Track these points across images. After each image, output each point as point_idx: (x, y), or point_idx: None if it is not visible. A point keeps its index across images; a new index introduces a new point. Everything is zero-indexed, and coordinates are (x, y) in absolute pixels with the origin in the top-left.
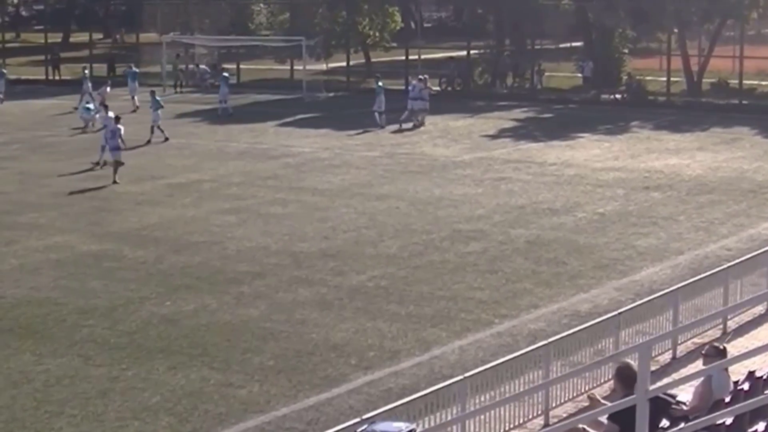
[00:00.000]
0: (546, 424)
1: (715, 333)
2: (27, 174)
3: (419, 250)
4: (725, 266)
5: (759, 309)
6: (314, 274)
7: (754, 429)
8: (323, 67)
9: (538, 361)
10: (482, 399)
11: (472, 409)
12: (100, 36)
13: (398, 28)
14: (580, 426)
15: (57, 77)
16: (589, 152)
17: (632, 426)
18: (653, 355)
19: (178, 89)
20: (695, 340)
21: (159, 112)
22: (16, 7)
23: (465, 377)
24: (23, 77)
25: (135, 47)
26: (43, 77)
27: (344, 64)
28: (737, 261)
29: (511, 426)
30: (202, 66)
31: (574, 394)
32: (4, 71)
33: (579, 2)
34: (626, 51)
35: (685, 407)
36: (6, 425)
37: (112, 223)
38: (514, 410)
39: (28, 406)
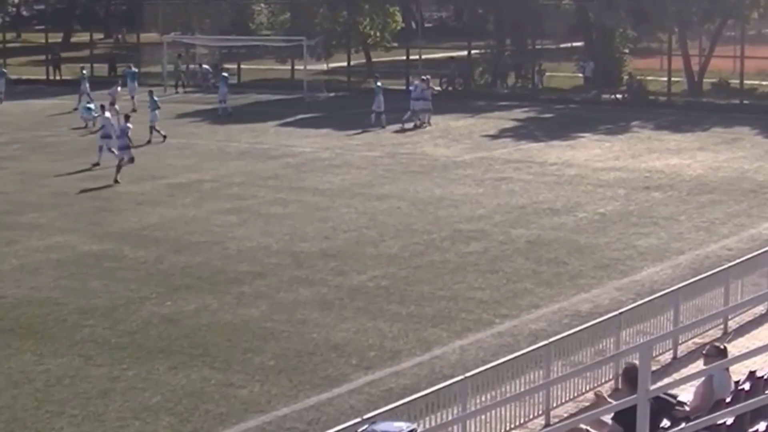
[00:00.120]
0: (547, 424)
1: (716, 333)
2: (27, 174)
3: (420, 250)
4: (726, 266)
5: (760, 309)
6: (315, 274)
7: (755, 429)
8: (324, 67)
9: (538, 361)
10: (483, 399)
11: (473, 409)
12: (101, 36)
13: (399, 28)
14: (583, 426)
15: (58, 77)
16: (590, 152)
17: (636, 426)
18: (654, 355)
19: (179, 89)
20: (696, 340)
21: (156, 112)
22: (17, 6)
23: (466, 377)
24: (24, 77)
25: (136, 47)
26: (44, 77)
27: (345, 64)
28: (738, 261)
29: (512, 426)
30: (205, 66)
31: (575, 394)
32: (5, 71)
33: (579, 2)
34: (627, 51)
35: (686, 407)
36: (7, 425)
37: (113, 223)
38: (515, 410)
39: (29, 406)
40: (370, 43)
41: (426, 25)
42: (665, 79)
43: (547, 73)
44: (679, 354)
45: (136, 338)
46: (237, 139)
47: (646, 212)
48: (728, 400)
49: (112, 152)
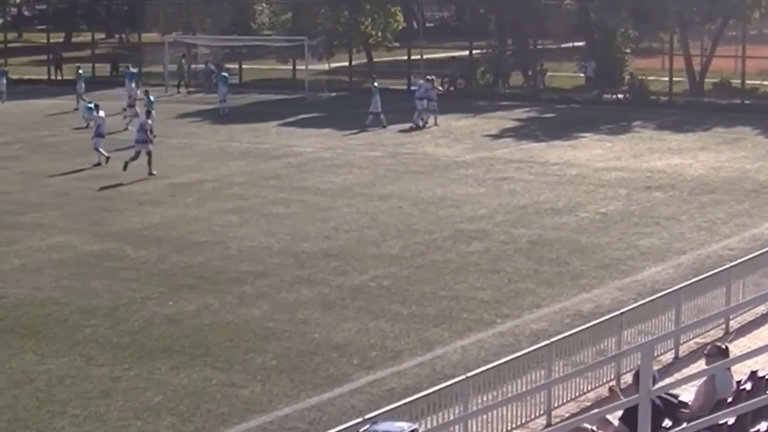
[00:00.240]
0: (548, 424)
1: (718, 333)
2: (29, 174)
3: (421, 249)
4: (727, 266)
5: (761, 309)
6: (316, 273)
7: (756, 429)
8: (325, 66)
9: (540, 361)
10: (484, 399)
11: (475, 409)
12: (103, 36)
13: (400, 28)
14: (588, 426)
15: (59, 77)
16: (592, 152)
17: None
18: (656, 354)
19: (181, 89)
20: (698, 339)
21: (153, 112)
22: (18, 6)
23: (467, 377)
24: (25, 77)
25: (137, 47)
26: (45, 77)
27: (346, 63)
28: (739, 261)
29: (514, 426)
30: (211, 65)
31: (577, 394)
32: (5, 70)
33: (581, 2)
34: (628, 51)
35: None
36: (8, 425)
37: (114, 222)
38: (517, 410)
39: (31, 406)
40: (372, 43)
41: (427, 25)
42: (667, 79)
43: (548, 73)
44: (681, 354)
45: (137, 338)
46: (238, 138)
47: (648, 212)
48: (730, 400)
49: (99, 151)
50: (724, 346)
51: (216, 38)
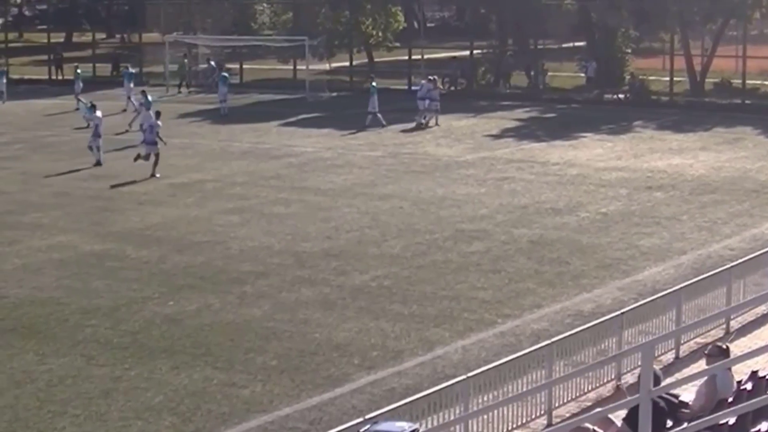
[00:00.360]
0: (549, 424)
1: (718, 333)
2: (29, 174)
3: (422, 249)
4: (728, 266)
5: (762, 309)
6: (317, 273)
7: (757, 429)
8: (326, 66)
9: (541, 361)
10: (485, 399)
11: (475, 408)
12: (103, 36)
13: (401, 27)
14: (589, 426)
15: (60, 77)
16: (592, 152)
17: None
18: (656, 354)
19: (182, 89)
20: (698, 339)
21: (151, 112)
22: (19, 6)
23: (468, 377)
24: (26, 77)
25: (138, 47)
26: (46, 77)
27: (347, 63)
28: (740, 261)
29: (514, 426)
30: (212, 63)
31: (577, 394)
32: (4, 70)
33: (582, 2)
34: (629, 51)
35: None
36: (9, 425)
37: (115, 222)
38: (517, 410)
39: (31, 406)
40: (373, 43)
41: (428, 24)
42: (667, 79)
43: (549, 73)
44: (682, 354)
45: (138, 338)
46: (239, 138)
47: (649, 212)
48: (730, 399)
49: (92, 149)
50: (724, 346)
51: (217, 38)
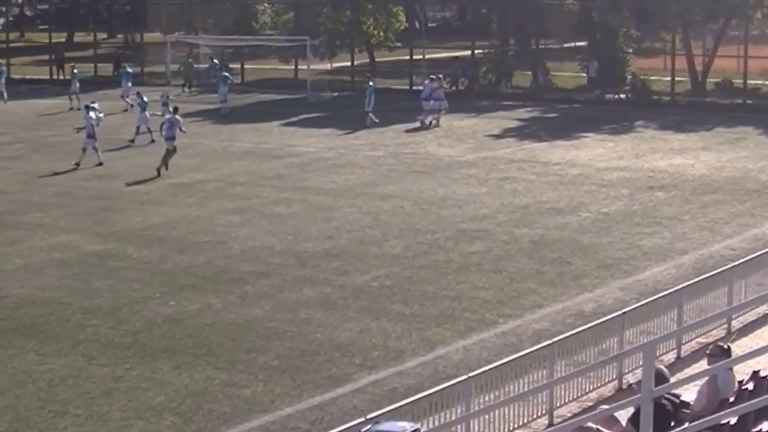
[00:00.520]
0: (550, 424)
1: (720, 333)
2: (31, 174)
3: (423, 249)
4: (729, 266)
5: (763, 309)
6: (318, 273)
7: (758, 429)
8: (327, 66)
9: (542, 360)
10: (486, 399)
11: (477, 408)
12: (105, 36)
13: (402, 27)
14: (593, 425)
15: (61, 77)
16: (594, 152)
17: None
18: (658, 354)
19: (185, 89)
20: (700, 339)
21: (146, 113)
22: (20, 6)
23: (469, 377)
24: (27, 77)
25: (139, 47)
26: (48, 77)
27: (348, 63)
28: (742, 261)
29: (515, 426)
30: (215, 61)
31: (579, 394)
32: (3, 70)
33: (583, 2)
34: (630, 51)
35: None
36: (11, 425)
37: (116, 222)
38: (519, 410)
39: (33, 406)
40: (374, 43)
41: (429, 24)
42: (669, 78)
43: (550, 73)
44: (683, 354)
45: (139, 338)
46: (240, 138)
47: (650, 212)
48: (732, 399)
49: (89, 149)
50: (726, 346)
51: (218, 38)
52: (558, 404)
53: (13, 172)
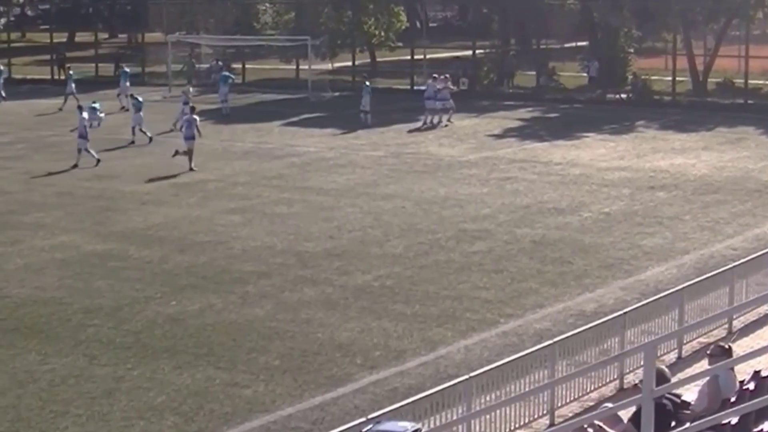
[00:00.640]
0: (551, 424)
1: (721, 333)
2: (32, 174)
3: (425, 249)
4: (731, 266)
5: (764, 308)
6: (319, 273)
7: (759, 429)
8: (328, 66)
9: (543, 360)
10: (488, 399)
11: (478, 408)
12: (106, 36)
13: (403, 27)
14: (596, 422)
15: (62, 77)
16: (595, 152)
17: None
18: (659, 354)
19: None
20: (701, 339)
21: (141, 113)
22: (21, 6)
23: (470, 377)
24: (29, 77)
25: (140, 47)
26: (49, 77)
27: (349, 63)
28: (743, 261)
29: (517, 425)
30: (219, 63)
31: (580, 394)
32: (2, 69)
33: (584, 2)
34: (631, 50)
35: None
36: (12, 425)
37: (117, 222)
38: (520, 410)
39: (34, 406)
40: (375, 43)
41: (431, 24)
42: (670, 78)
43: (556, 73)
44: (684, 354)
45: (140, 338)
46: (241, 138)
47: (651, 212)
48: (733, 399)
49: (88, 152)
50: (727, 346)
51: (219, 38)
52: (559, 404)
53: (14, 172)
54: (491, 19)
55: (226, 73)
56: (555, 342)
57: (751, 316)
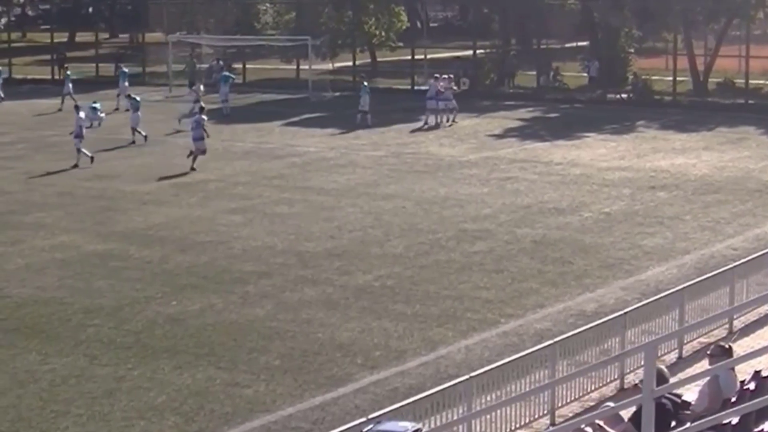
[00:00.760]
0: (552, 424)
1: (721, 332)
2: (32, 173)
3: (425, 249)
4: (731, 266)
5: (765, 308)
6: (320, 273)
7: (760, 429)
8: (329, 66)
9: (544, 360)
10: (488, 399)
11: (478, 408)
12: (106, 36)
13: (404, 27)
14: (597, 421)
15: (62, 77)
16: (595, 152)
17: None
18: (659, 354)
19: (192, 89)
20: (701, 339)
21: (139, 113)
22: (22, 6)
23: (471, 377)
24: (29, 77)
25: (141, 47)
26: (50, 77)
27: (350, 63)
28: (743, 260)
29: (517, 425)
30: (220, 62)
31: (580, 394)
32: (0, 69)
33: (585, 2)
34: (632, 50)
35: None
36: (12, 425)
37: (118, 222)
38: (520, 410)
39: (34, 406)
40: (376, 43)
41: (431, 24)
42: (670, 78)
43: (560, 73)
44: (685, 354)
45: (141, 338)
46: (242, 138)
47: (652, 212)
48: (733, 399)
49: (80, 151)
50: (727, 346)
51: (220, 38)
52: (560, 404)
53: (14, 172)
54: (492, 19)
55: (227, 73)
56: (555, 342)
57: (752, 316)
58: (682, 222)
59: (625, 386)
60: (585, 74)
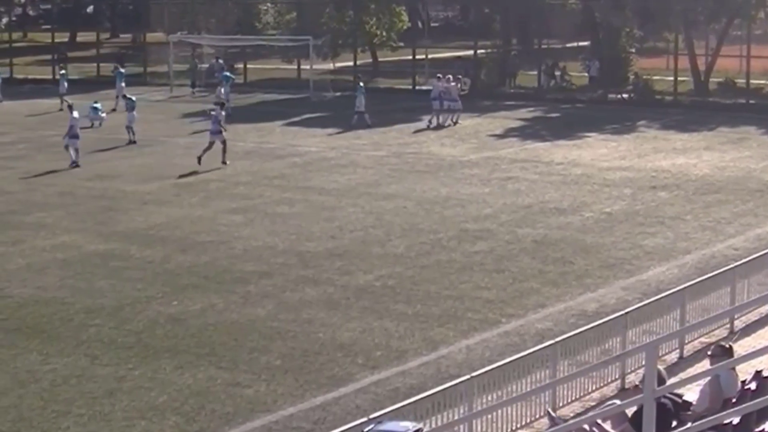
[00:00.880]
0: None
1: (722, 332)
2: (33, 173)
3: (426, 249)
4: (732, 266)
5: (766, 308)
6: (321, 273)
7: (761, 428)
8: (330, 66)
9: (545, 360)
10: (489, 398)
11: (479, 408)
12: (107, 35)
13: (405, 27)
14: (599, 421)
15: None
16: (596, 152)
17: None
18: (660, 354)
19: (194, 90)
20: (702, 339)
21: (134, 112)
22: (23, 6)
23: (472, 377)
24: (30, 77)
25: (142, 47)
26: (50, 77)
27: (351, 63)
28: (744, 260)
29: (518, 425)
30: (221, 62)
31: (581, 394)
32: None
33: (586, 1)
34: (633, 50)
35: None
36: (13, 425)
37: (119, 222)
38: (521, 410)
39: (35, 406)
40: (377, 43)
41: (432, 24)
42: (671, 78)
43: (556, 72)
44: (686, 354)
45: (142, 338)
46: (243, 138)
47: (653, 212)
48: (734, 399)
49: (67, 150)
50: (728, 346)
51: (221, 38)
52: (561, 404)
53: (15, 171)
54: (493, 18)
55: (227, 73)
56: (556, 342)
57: (753, 315)
58: (683, 222)
59: (626, 386)
60: (586, 74)
